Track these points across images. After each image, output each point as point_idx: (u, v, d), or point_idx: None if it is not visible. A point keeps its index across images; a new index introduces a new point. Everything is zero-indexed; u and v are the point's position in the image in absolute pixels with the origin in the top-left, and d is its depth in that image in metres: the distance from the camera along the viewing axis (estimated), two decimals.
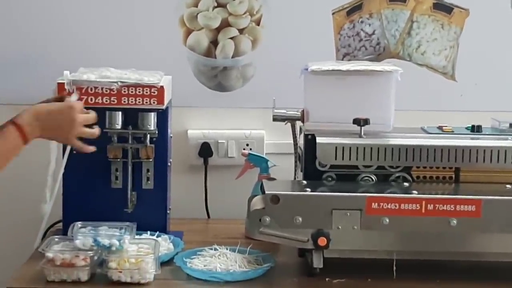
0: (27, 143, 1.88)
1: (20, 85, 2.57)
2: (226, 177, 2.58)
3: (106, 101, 2.18)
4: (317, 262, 2.00)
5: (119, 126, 2.21)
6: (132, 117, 2.21)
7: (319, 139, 2.11)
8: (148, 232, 2.21)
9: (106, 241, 1.99)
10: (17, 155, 1.87)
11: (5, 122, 1.89)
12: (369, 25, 2.63)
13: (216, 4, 2.61)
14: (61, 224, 2.29)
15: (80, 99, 2.06)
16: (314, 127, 2.19)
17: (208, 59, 2.63)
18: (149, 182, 2.26)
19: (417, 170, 2.13)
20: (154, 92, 2.18)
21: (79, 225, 2.07)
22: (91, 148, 2.02)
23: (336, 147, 2.10)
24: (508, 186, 2.09)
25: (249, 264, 2.07)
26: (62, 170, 2.19)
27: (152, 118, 2.21)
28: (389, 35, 2.63)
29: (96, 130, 2.01)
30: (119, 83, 2.17)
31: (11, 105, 2.39)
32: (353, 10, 2.62)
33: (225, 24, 2.61)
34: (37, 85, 2.47)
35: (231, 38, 2.62)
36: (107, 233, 2.02)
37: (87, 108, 2.14)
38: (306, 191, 2.02)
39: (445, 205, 1.97)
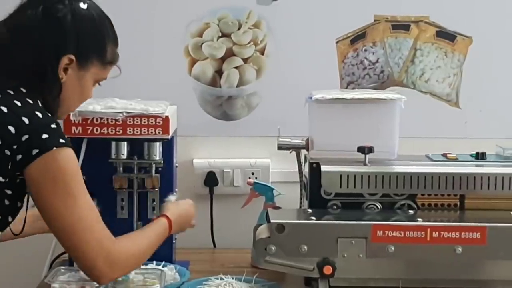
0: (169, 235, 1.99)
1: None
2: (231, 206, 2.59)
3: (112, 131, 2.18)
4: None
5: (124, 156, 2.22)
6: (138, 147, 2.23)
7: (323, 168, 2.12)
8: (154, 262, 2.20)
9: None
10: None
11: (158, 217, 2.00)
12: (373, 53, 2.64)
13: (220, 34, 2.63)
14: (67, 254, 2.29)
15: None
16: (318, 155, 2.20)
17: (213, 89, 2.64)
18: (155, 211, 2.26)
19: (422, 197, 2.14)
20: (159, 122, 2.19)
21: None
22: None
23: (341, 175, 2.10)
24: None
25: None
26: None
27: (158, 148, 2.22)
28: (392, 63, 2.65)
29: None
30: (124, 113, 2.18)
31: None
32: (356, 38, 2.64)
33: (229, 54, 2.63)
34: None
35: (236, 67, 2.64)
36: None
37: (92, 139, 2.16)
38: (311, 219, 2.02)
39: (450, 233, 1.97)
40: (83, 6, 1.82)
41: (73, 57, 1.80)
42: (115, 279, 1.83)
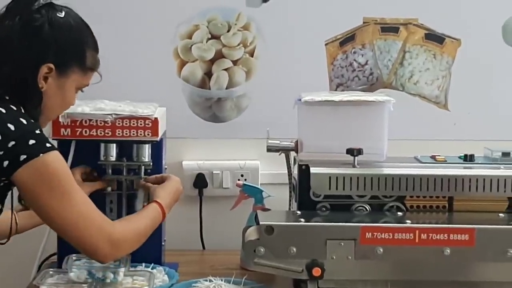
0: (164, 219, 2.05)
1: None
2: (221, 208, 2.59)
3: (101, 133, 2.18)
4: None
5: (113, 158, 2.21)
6: (127, 149, 2.22)
7: (313, 169, 2.12)
8: (143, 264, 2.21)
9: (100, 274, 2.00)
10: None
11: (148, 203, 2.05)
12: (362, 55, 2.65)
13: (210, 36, 2.63)
14: (56, 256, 2.29)
15: None
16: (308, 157, 2.20)
17: (203, 91, 2.64)
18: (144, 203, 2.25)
19: (411, 199, 2.14)
20: (148, 124, 2.19)
21: (74, 258, 2.07)
22: None
23: (330, 177, 2.11)
24: (501, 214, 2.10)
25: None
26: None
27: (147, 149, 2.22)
28: (381, 65, 2.65)
29: None
30: (113, 115, 2.18)
31: None
32: (346, 41, 2.64)
33: (219, 56, 2.63)
34: None
35: (225, 69, 2.64)
36: (102, 266, 2.02)
37: (81, 141, 2.16)
38: (300, 221, 2.02)
39: (438, 234, 1.97)
40: (60, 14, 1.84)
41: (52, 65, 1.82)
42: (119, 257, 1.92)
